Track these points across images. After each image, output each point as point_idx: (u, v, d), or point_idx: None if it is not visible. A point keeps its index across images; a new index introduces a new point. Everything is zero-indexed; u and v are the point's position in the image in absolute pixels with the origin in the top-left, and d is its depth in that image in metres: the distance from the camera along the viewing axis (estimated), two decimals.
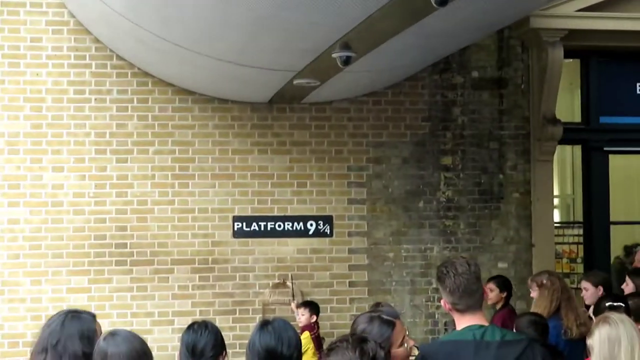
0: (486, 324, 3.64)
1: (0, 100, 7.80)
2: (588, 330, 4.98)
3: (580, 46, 8.63)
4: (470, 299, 3.57)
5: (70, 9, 7.78)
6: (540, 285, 5.93)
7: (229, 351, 4.42)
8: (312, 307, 7.35)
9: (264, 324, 3.56)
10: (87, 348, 3.41)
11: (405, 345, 3.53)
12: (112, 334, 3.30)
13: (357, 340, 3.16)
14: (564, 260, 9.22)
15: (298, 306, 7.44)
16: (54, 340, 3.45)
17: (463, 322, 3.60)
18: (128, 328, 7.05)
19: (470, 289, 3.57)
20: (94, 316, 3.63)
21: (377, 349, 3.32)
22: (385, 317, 3.52)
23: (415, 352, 3.69)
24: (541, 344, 4.79)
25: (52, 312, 7.34)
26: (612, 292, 5.39)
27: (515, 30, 8.32)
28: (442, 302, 3.70)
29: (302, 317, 7.24)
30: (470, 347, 3.52)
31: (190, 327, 4.08)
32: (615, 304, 4.83)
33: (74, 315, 3.58)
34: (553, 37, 8.28)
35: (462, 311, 3.58)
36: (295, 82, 6.95)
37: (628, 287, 6.03)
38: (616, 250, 8.90)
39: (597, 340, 3.74)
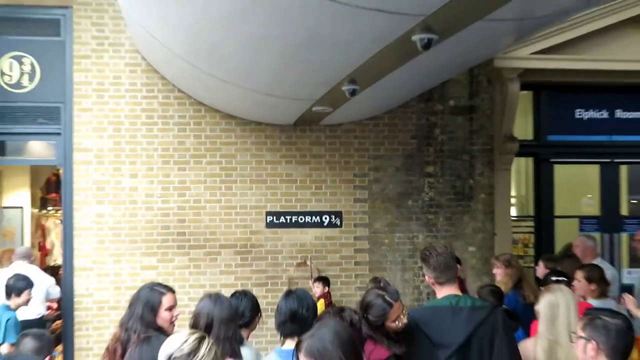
0: (460, 294, 3.66)
1: (90, 123, 7.83)
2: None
3: (533, 81, 8.58)
4: (449, 273, 3.61)
5: (142, 54, 7.81)
6: (507, 265, 5.91)
7: (263, 314, 4.45)
8: (325, 281, 7.38)
9: (289, 293, 3.66)
10: (148, 314, 3.54)
11: (397, 322, 3.58)
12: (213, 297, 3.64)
13: (338, 310, 3.23)
14: (519, 245, 9.17)
15: (315, 280, 7.44)
16: (132, 300, 3.65)
17: (442, 292, 3.64)
18: (186, 298, 7.24)
19: (448, 266, 3.62)
20: (168, 291, 3.70)
21: (353, 315, 3.41)
22: (387, 297, 3.59)
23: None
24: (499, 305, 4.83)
25: (129, 284, 7.54)
26: (556, 270, 5.35)
27: (483, 69, 8.28)
28: (426, 277, 3.72)
29: (317, 289, 7.25)
30: (448, 311, 3.55)
31: (234, 295, 4.16)
32: (559, 278, 4.84)
33: (151, 286, 3.70)
34: (512, 74, 8.24)
35: (442, 284, 3.63)
36: (313, 109, 6.95)
37: (539, 269, 6.00)
38: (559, 239, 8.81)
39: (542, 305, 3.78)
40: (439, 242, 4.25)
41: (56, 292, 7.83)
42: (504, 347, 3.49)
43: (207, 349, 2.47)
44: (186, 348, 2.44)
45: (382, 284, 4.56)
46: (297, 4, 4.01)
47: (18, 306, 6.19)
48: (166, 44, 6.16)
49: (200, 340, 2.49)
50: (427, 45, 4.26)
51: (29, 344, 3.66)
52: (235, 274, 7.90)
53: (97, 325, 7.69)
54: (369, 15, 3.91)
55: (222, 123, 8.06)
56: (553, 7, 4.16)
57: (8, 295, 6.04)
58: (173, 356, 2.43)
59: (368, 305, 3.61)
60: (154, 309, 3.52)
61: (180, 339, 2.49)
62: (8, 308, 6.02)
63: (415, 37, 4.23)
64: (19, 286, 6.01)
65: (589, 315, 2.98)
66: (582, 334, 2.91)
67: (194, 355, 2.43)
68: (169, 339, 2.54)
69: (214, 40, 5.34)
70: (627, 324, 2.90)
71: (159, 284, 3.78)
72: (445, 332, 3.46)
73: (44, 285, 7.62)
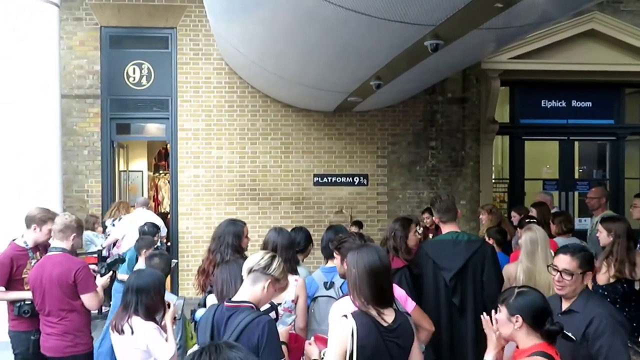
0: (459, 230, 3.59)
1: (189, 111, 7.90)
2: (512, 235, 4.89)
3: (510, 79, 8.33)
4: (450, 214, 3.56)
5: (226, 61, 7.81)
6: (489, 212, 5.79)
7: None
8: (359, 224, 7.24)
9: (329, 227, 3.64)
10: (236, 241, 3.45)
11: (415, 234, 3.57)
12: (277, 229, 3.50)
13: (358, 234, 3.20)
14: (497, 201, 9.00)
15: (352, 224, 7.37)
16: (219, 233, 3.49)
17: (446, 228, 3.59)
18: (256, 235, 7.29)
19: (450, 208, 3.57)
20: (244, 223, 3.63)
21: (369, 237, 3.37)
22: (408, 218, 3.60)
23: None
24: (502, 241, 4.68)
25: (217, 225, 7.58)
26: (528, 215, 5.22)
27: (473, 70, 8.06)
28: (433, 217, 3.65)
29: (353, 228, 7.17)
30: (450, 243, 3.51)
31: (293, 229, 4.12)
32: (531, 220, 4.72)
33: (231, 221, 3.61)
34: (494, 74, 8.02)
35: (445, 222, 3.57)
36: (348, 99, 6.89)
37: (515, 218, 5.81)
38: (528, 196, 8.63)
39: (524, 240, 3.67)
40: (443, 193, 4.18)
41: (164, 231, 7.94)
42: (492, 270, 3.47)
43: (278, 264, 2.46)
44: (262, 262, 2.43)
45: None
46: (340, 20, 3.94)
47: None
48: (243, 52, 6.15)
49: (273, 258, 2.48)
50: (435, 49, 4.17)
51: (156, 260, 3.69)
52: (291, 218, 7.90)
53: (194, 254, 7.81)
54: (393, 26, 3.83)
55: (282, 110, 8.03)
56: (530, 19, 4.01)
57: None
58: (253, 269, 2.42)
59: (359, 232, 3.64)
60: (240, 236, 3.49)
61: (258, 256, 2.48)
62: None
63: (427, 43, 4.13)
64: (153, 231, 5.74)
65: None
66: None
67: (269, 269, 2.42)
68: (249, 257, 2.52)
69: (278, 48, 5.31)
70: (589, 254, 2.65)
71: (236, 219, 3.68)
72: (448, 259, 3.44)
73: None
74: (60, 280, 3.44)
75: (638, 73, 8.32)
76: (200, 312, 3.01)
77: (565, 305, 2.54)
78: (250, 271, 2.42)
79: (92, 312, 3.66)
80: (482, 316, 2.36)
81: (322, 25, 4.24)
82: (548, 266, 2.67)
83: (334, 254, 2.95)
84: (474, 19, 3.71)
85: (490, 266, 3.46)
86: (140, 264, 4.91)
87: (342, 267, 2.77)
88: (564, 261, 2.52)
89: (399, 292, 2.96)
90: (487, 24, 3.76)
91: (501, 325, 2.24)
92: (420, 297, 3.35)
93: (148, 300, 2.92)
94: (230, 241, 3.44)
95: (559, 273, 2.50)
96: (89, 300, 3.51)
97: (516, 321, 2.18)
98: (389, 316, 2.26)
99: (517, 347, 2.23)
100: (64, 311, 3.47)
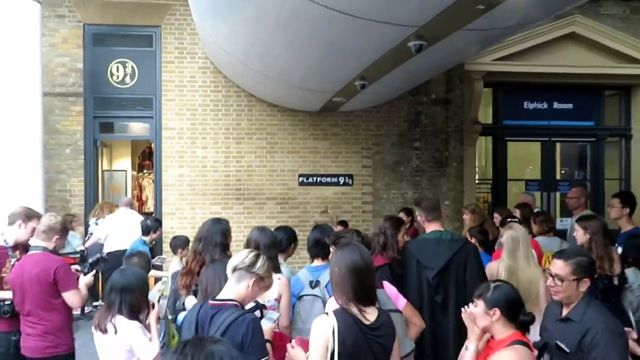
0: (443, 230, 3.61)
1: (174, 110, 7.85)
2: (497, 235, 4.92)
3: (493, 81, 8.42)
4: (435, 213, 3.56)
5: (211, 59, 7.77)
6: (472, 212, 5.83)
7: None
8: (344, 223, 7.25)
9: (316, 226, 3.62)
10: (224, 240, 3.42)
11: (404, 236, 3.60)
12: (259, 228, 3.44)
13: (355, 230, 3.22)
14: (480, 201, 9.08)
15: (337, 224, 7.36)
16: (205, 233, 3.43)
17: (430, 227, 3.60)
18: (241, 235, 7.25)
19: (435, 207, 3.57)
20: (227, 222, 3.59)
21: (366, 235, 3.40)
22: (399, 218, 3.65)
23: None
24: (484, 241, 4.72)
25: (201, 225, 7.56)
26: (510, 214, 5.27)
27: (456, 71, 8.12)
28: (418, 217, 3.67)
29: (338, 228, 7.17)
30: (434, 242, 3.52)
31: (277, 228, 4.08)
32: (513, 219, 4.77)
33: (216, 220, 3.56)
34: (477, 76, 8.11)
35: (430, 221, 3.58)
36: (333, 99, 6.90)
37: (497, 219, 5.83)
38: (510, 197, 8.73)
39: (505, 238, 3.71)
40: (428, 194, 4.18)
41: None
42: (475, 268, 3.50)
43: (262, 262, 2.46)
44: (247, 261, 2.43)
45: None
46: (325, 20, 3.95)
47: (152, 240, 5.93)
48: (229, 51, 6.13)
49: (257, 256, 2.48)
50: (419, 49, 4.21)
51: (135, 259, 3.67)
52: (276, 218, 7.86)
53: None
54: (377, 26, 3.85)
55: (268, 110, 8.01)
56: (512, 20, 4.06)
57: (146, 233, 5.71)
58: (237, 267, 2.42)
59: (356, 229, 3.67)
60: (226, 235, 3.43)
61: (242, 255, 2.48)
62: (144, 243, 5.69)
63: (411, 44, 4.16)
64: (155, 225, 5.76)
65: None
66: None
67: (253, 267, 2.42)
68: (234, 256, 2.52)
69: (263, 47, 5.30)
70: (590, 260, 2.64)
71: (220, 218, 3.62)
72: (431, 258, 3.46)
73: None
74: (40, 278, 3.40)
75: (617, 76, 8.49)
76: (182, 315, 3.00)
77: (564, 311, 2.52)
78: (234, 269, 2.42)
79: (74, 312, 3.61)
80: (462, 309, 2.44)
81: (306, 25, 4.24)
82: (544, 269, 2.71)
83: (331, 249, 2.96)
84: (456, 20, 3.74)
85: (473, 265, 3.48)
86: (175, 264, 4.82)
87: None
88: (557, 266, 2.51)
89: (390, 289, 2.98)
90: (469, 25, 3.80)
91: (478, 318, 2.34)
92: (403, 295, 3.36)
93: (132, 300, 2.90)
94: (219, 240, 3.38)
95: (551, 277, 2.52)
96: (71, 297, 3.47)
97: (494, 314, 2.28)
98: (371, 314, 2.27)
99: (492, 337, 2.30)
100: (44, 310, 3.43)
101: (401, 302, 2.93)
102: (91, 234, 7.17)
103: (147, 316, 3.00)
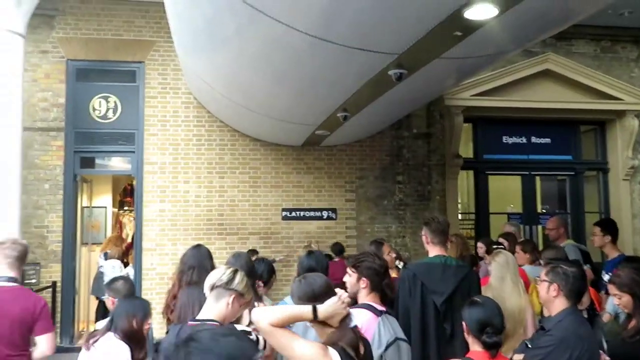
0: (446, 255, 3.45)
1: (156, 144, 7.81)
2: (479, 267, 4.88)
3: (472, 115, 8.57)
4: (442, 237, 3.41)
5: (194, 95, 7.82)
6: (451, 242, 5.75)
7: (277, 282, 4.29)
8: (329, 257, 7.17)
9: (309, 253, 3.51)
10: (212, 266, 3.36)
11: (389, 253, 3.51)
12: (235, 255, 3.41)
13: (374, 254, 3.08)
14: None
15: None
16: (194, 262, 3.37)
17: (434, 251, 3.41)
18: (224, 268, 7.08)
19: (444, 231, 3.42)
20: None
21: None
22: (378, 241, 3.54)
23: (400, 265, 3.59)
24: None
25: None
26: (496, 242, 5.25)
27: (436, 106, 8.29)
28: (423, 237, 3.45)
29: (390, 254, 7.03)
30: (440, 267, 3.34)
31: (255, 260, 4.03)
32: (499, 247, 4.76)
33: (197, 246, 3.54)
34: (457, 110, 8.26)
35: (435, 244, 3.39)
36: (316, 132, 6.93)
37: (481, 249, 5.75)
38: (493, 229, 8.74)
39: (494, 266, 3.67)
40: (437, 215, 3.94)
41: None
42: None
43: (241, 278, 2.37)
44: (225, 277, 2.34)
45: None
46: (305, 47, 4.00)
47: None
48: (210, 83, 6.16)
49: (235, 272, 2.39)
50: (399, 78, 4.26)
51: (119, 284, 3.49)
52: (259, 253, 7.77)
53: (159, 291, 7.50)
54: (359, 54, 3.90)
55: (251, 144, 8.02)
56: (487, 50, 4.16)
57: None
58: (215, 285, 2.32)
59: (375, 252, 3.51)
60: (211, 257, 3.43)
61: (219, 272, 2.39)
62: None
63: (391, 72, 4.22)
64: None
65: (551, 264, 2.76)
66: (545, 278, 2.69)
67: (232, 283, 2.33)
68: (211, 273, 2.42)
69: (245, 78, 5.34)
70: (581, 271, 2.72)
71: (199, 244, 3.59)
72: (438, 283, 3.29)
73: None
74: (22, 317, 3.11)
75: (591, 111, 8.72)
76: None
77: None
78: (212, 288, 2.33)
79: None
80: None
81: (289, 54, 4.29)
82: (535, 279, 2.78)
83: (348, 272, 2.77)
84: (435, 47, 3.82)
85: (476, 293, 3.38)
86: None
87: (356, 285, 2.66)
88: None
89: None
90: (447, 53, 3.88)
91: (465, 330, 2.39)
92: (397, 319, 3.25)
93: (128, 326, 2.82)
94: (209, 266, 3.32)
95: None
96: (49, 341, 3.19)
97: (466, 329, 2.36)
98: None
99: None
100: (12, 357, 3.09)
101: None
102: (101, 266, 7.27)
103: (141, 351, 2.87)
